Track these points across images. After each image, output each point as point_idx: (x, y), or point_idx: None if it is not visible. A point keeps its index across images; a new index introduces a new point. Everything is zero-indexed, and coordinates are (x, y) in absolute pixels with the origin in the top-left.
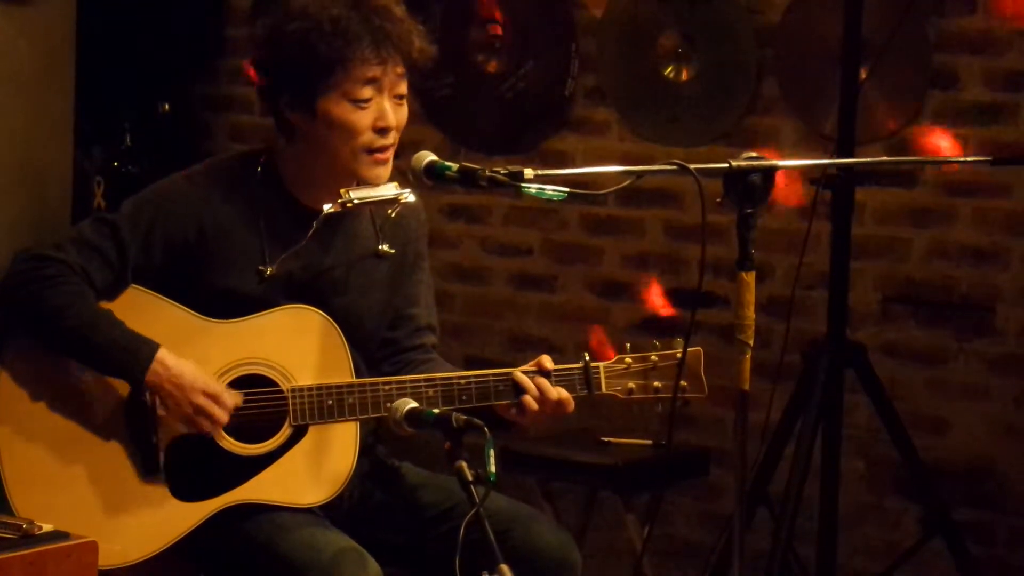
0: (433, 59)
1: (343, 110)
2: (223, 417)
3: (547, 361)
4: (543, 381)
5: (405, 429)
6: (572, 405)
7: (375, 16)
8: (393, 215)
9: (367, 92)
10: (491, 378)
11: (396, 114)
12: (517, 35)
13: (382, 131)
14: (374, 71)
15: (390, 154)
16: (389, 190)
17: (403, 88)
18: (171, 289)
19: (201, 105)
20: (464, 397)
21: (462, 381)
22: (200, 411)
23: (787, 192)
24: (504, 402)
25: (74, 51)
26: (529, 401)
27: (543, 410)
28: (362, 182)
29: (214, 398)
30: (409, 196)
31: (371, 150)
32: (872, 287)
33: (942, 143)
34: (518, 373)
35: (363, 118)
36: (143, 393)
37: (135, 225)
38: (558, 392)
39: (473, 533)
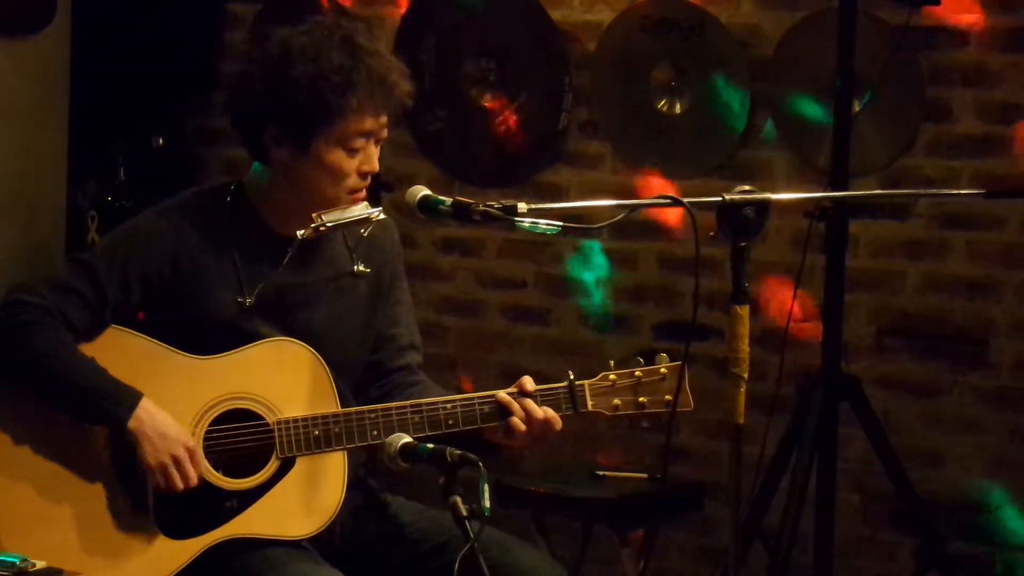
0: (414, 96)
1: (336, 157)
2: (194, 476)
3: (528, 382)
4: (529, 402)
5: (399, 464)
6: (559, 424)
7: (375, 66)
8: (366, 234)
9: (359, 142)
10: (476, 401)
11: (376, 157)
12: (511, 69)
13: (365, 175)
14: (368, 121)
15: (365, 191)
16: (360, 210)
17: (385, 132)
18: (151, 325)
19: (195, 139)
20: (451, 422)
21: (448, 406)
22: (177, 462)
23: (781, 225)
24: (492, 425)
25: (68, 85)
26: (517, 423)
27: (531, 431)
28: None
29: (191, 453)
30: (380, 215)
31: (353, 191)
32: (866, 320)
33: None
34: (502, 394)
35: (351, 163)
36: (124, 439)
37: (110, 264)
38: (544, 411)
39: (467, 568)
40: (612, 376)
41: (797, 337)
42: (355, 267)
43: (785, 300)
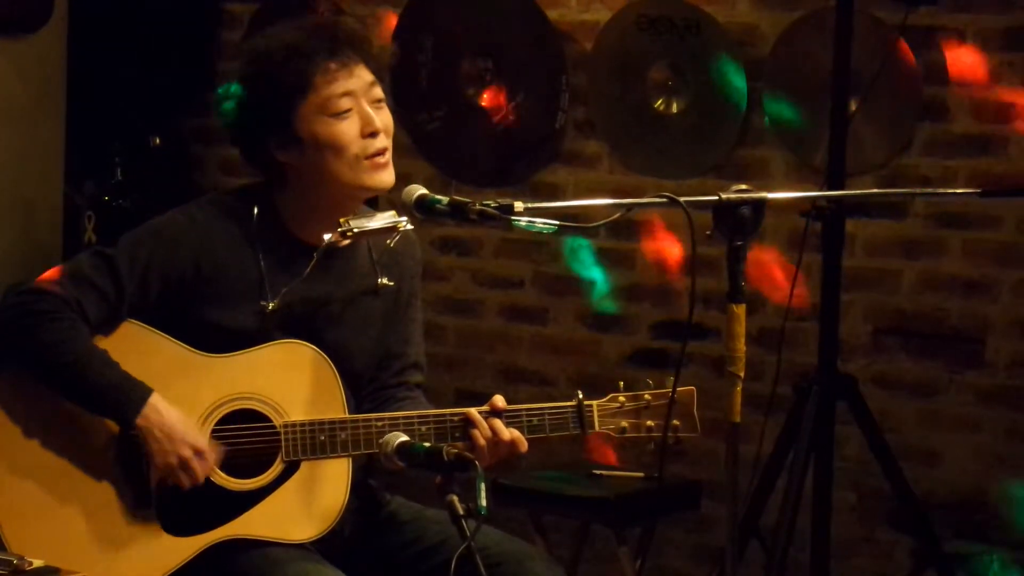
0: (394, 55)
1: (326, 126)
2: (202, 475)
3: (499, 401)
4: (496, 422)
5: (396, 463)
6: (525, 446)
7: (324, 29)
8: (392, 245)
9: (344, 103)
10: (448, 418)
11: (380, 117)
12: (508, 68)
13: (372, 135)
14: (342, 80)
15: (388, 156)
16: (387, 218)
17: (378, 91)
18: (167, 323)
19: (192, 138)
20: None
21: (423, 422)
22: (184, 464)
23: (777, 224)
24: (458, 444)
25: (65, 85)
26: (477, 436)
27: (497, 451)
28: (367, 194)
29: (199, 453)
30: (407, 224)
31: (367, 156)
32: (863, 319)
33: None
34: (473, 412)
35: (348, 128)
36: (131, 435)
37: (132, 260)
38: (511, 432)
39: (464, 567)
40: (621, 398)
41: (794, 336)
42: (378, 280)
43: (782, 299)
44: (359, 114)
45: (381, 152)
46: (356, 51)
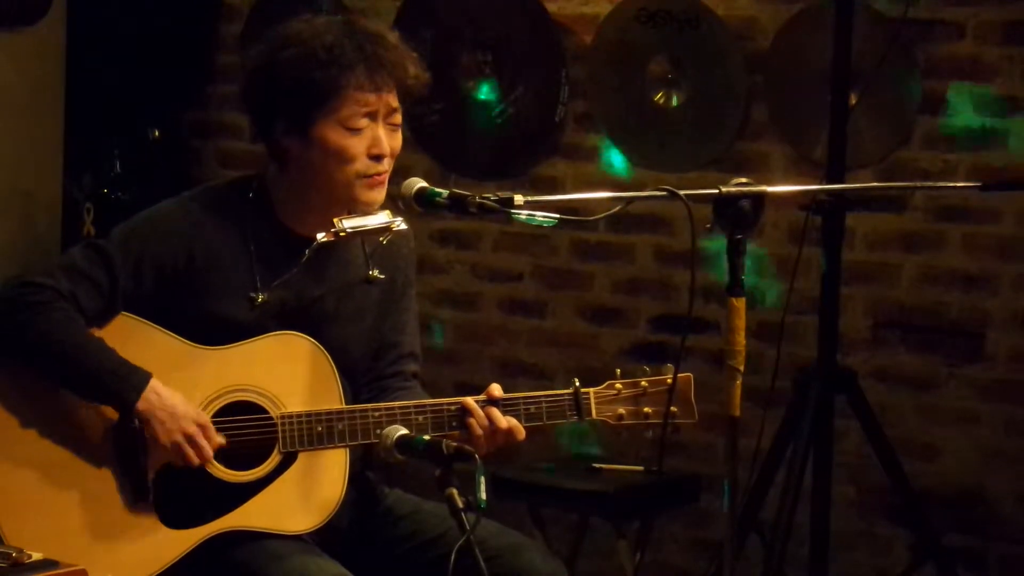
0: (427, 85)
1: (338, 136)
2: (209, 451)
3: (496, 389)
4: (493, 410)
5: (396, 456)
6: (523, 433)
7: (369, 43)
8: (384, 242)
9: (362, 122)
10: (445, 407)
11: (390, 140)
12: (507, 62)
13: (376, 158)
14: (368, 98)
15: (385, 178)
16: (381, 219)
17: (397, 116)
18: (161, 316)
19: (191, 132)
20: (424, 426)
21: (420, 411)
22: (190, 440)
23: (777, 218)
24: (455, 432)
25: (64, 77)
26: (474, 425)
27: (494, 439)
28: (356, 208)
29: (204, 428)
30: (401, 224)
31: (366, 176)
32: (862, 313)
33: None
34: (469, 401)
35: (357, 144)
36: (133, 420)
37: (126, 252)
38: (508, 420)
39: (463, 560)
40: (618, 385)
41: (793, 330)
42: (370, 272)
43: (781, 293)
44: (371, 133)
45: (380, 173)
46: (392, 76)
